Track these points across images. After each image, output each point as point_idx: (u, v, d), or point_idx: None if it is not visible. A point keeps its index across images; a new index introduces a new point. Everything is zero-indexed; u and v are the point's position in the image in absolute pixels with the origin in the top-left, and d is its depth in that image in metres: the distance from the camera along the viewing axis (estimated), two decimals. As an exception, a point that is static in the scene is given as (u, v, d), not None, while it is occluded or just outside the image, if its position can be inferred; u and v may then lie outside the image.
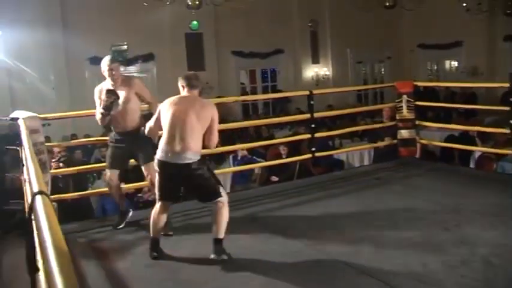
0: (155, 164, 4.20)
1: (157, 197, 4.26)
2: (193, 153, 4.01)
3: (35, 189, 1.44)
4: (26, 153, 2.59)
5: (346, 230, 4.79)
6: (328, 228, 4.88)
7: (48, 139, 11.06)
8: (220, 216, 4.08)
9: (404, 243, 4.35)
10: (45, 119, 5.30)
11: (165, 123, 4.08)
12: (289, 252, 4.30)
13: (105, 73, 5.04)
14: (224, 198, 4.13)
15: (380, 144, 8.09)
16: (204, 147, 4.17)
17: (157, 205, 4.26)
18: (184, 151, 3.97)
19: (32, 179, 1.66)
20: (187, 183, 4.17)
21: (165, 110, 4.12)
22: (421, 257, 3.98)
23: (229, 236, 4.58)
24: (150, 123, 4.39)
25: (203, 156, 4.23)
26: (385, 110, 8.75)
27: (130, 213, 5.27)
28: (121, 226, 5.15)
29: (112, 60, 5.06)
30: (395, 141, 7.61)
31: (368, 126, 8.39)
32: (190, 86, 4.20)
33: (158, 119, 4.21)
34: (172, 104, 4.12)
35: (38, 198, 1.27)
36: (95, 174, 8.24)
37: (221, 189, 4.17)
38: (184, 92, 4.23)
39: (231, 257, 4.11)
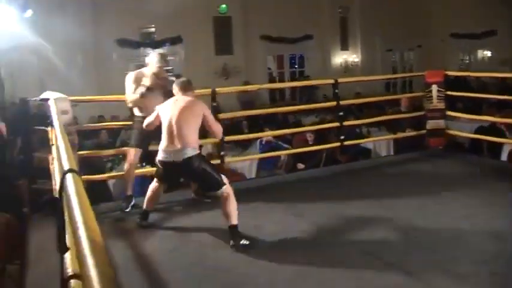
0: (157, 163, 4.50)
1: (156, 177, 4.61)
2: (192, 149, 4.26)
3: (66, 167, 1.41)
4: (57, 133, 2.58)
5: (374, 220, 4.72)
6: (355, 219, 4.81)
7: (75, 120, 11.23)
8: (228, 206, 4.20)
9: (433, 236, 4.26)
10: (74, 101, 5.31)
11: (164, 124, 4.38)
12: (316, 241, 4.26)
13: (152, 67, 5.23)
14: (227, 188, 4.27)
15: (407, 134, 7.95)
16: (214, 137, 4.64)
17: (156, 184, 4.61)
18: (184, 147, 4.24)
19: (62, 157, 1.64)
20: (188, 178, 4.50)
21: (163, 112, 4.45)
22: (449, 251, 3.90)
23: (255, 223, 4.56)
24: (150, 119, 4.69)
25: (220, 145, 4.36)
26: (402, 100, 8.62)
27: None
28: (128, 210, 5.20)
29: (161, 62, 5.24)
30: (424, 131, 7.47)
31: (395, 116, 8.23)
32: (183, 90, 4.56)
33: (158, 117, 4.52)
34: (169, 105, 4.45)
35: (69, 176, 1.23)
36: (121, 156, 8.26)
37: (224, 179, 4.33)
38: (178, 95, 4.56)
39: (254, 241, 4.14)
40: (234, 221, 4.17)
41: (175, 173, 4.48)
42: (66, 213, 1.28)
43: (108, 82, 12.87)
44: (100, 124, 8.37)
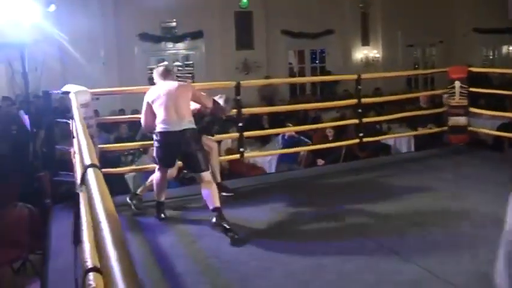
0: (155, 137, 4.66)
1: (158, 165, 4.81)
2: (188, 121, 4.55)
3: (87, 161, 1.43)
4: (77, 126, 2.61)
5: (393, 216, 4.70)
6: (374, 214, 4.79)
7: (96, 113, 11.34)
8: (212, 189, 4.45)
9: (452, 233, 4.23)
10: (95, 93, 5.36)
11: (160, 106, 4.58)
12: (334, 236, 4.26)
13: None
14: (208, 175, 4.55)
15: (428, 131, 7.89)
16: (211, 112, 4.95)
17: (159, 172, 4.81)
18: (181, 119, 4.51)
19: (83, 151, 1.66)
20: (182, 150, 4.59)
21: (155, 98, 4.63)
22: (470, 249, 3.87)
23: (273, 216, 4.58)
24: (145, 120, 4.78)
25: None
26: (421, 96, 8.58)
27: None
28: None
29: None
30: (445, 128, 7.41)
31: (416, 112, 8.15)
32: (164, 76, 4.81)
33: (150, 110, 4.68)
34: (158, 91, 4.65)
35: (90, 171, 1.25)
36: (141, 150, 8.33)
37: (208, 166, 4.64)
38: (162, 81, 4.78)
39: (231, 229, 4.24)
40: (218, 203, 4.39)
41: (173, 148, 4.62)
42: (85, 207, 1.31)
43: (129, 76, 12.98)
44: (119, 117, 8.43)
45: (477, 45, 17.49)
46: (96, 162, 1.45)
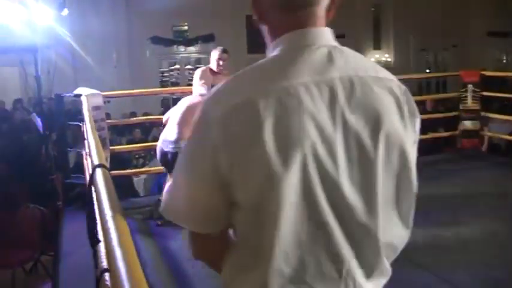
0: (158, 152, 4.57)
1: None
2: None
3: (95, 162, 1.44)
4: (87, 128, 2.64)
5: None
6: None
7: (108, 116, 11.40)
8: None
9: (463, 239, 4.20)
10: (106, 96, 5.40)
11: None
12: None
13: (218, 61, 5.03)
14: None
15: (438, 134, 7.85)
16: None
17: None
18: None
19: (92, 152, 1.68)
20: None
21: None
22: (481, 255, 3.84)
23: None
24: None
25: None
26: (427, 100, 8.54)
27: None
28: None
29: (225, 50, 5.10)
30: (456, 132, 7.36)
31: (426, 116, 8.09)
32: None
33: None
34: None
35: (98, 171, 1.27)
36: (152, 152, 8.37)
37: None
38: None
39: None
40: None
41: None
42: (96, 207, 1.31)
43: (141, 79, 13.05)
44: (132, 119, 8.47)
45: (491, 49, 17.37)
46: (105, 162, 1.46)
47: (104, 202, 1.08)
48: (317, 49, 1.06)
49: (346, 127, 1.01)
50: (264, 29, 1.13)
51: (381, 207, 1.05)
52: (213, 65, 4.96)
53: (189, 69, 15.03)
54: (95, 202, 1.22)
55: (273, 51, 1.09)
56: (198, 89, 4.91)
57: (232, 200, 1.01)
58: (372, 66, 1.10)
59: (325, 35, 1.10)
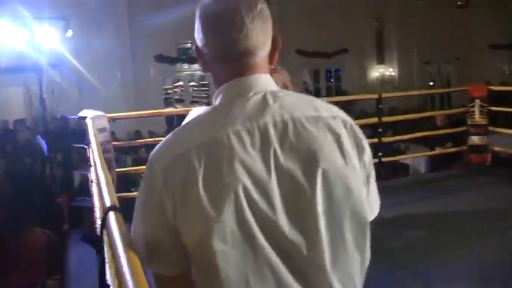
0: None
1: None
2: None
3: (107, 203, 1.39)
4: (95, 157, 2.59)
5: (415, 240, 4.61)
6: (395, 237, 4.70)
7: (113, 135, 11.38)
8: None
9: (477, 259, 4.12)
10: (112, 118, 5.37)
11: None
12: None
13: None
14: None
15: (446, 151, 7.79)
16: None
17: None
18: None
19: (103, 190, 1.63)
20: None
21: None
22: (496, 277, 3.77)
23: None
24: None
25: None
26: (437, 116, 8.50)
27: None
28: None
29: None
30: (464, 147, 7.30)
31: (434, 132, 8.05)
32: None
33: None
34: None
35: (111, 215, 1.21)
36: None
37: None
38: None
39: None
40: None
41: None
42: (108, 256, 1.25)
43: (145, 97, 13.06)
44: (138, 141, 8.36)
45: (494, 62, 17.36)
46: (116, 202, 1.41)
47: (118, 249, 1.03)
48: (252, 96, 1.13)
49: (280, 169, 1.07)
50: (211, 77, 1.23)
51: (326, 241, 1.09)
52: None
53: (192, 86, 15.05)
54: (108, 250, 1.17)
55: (215, 101, 1.18)
56: None
57: (182, 245, 1.09)
58: (312, 106, 1.15)
59: (262, 82, 1.16)
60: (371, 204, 1.21)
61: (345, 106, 15.46)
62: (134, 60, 13.45)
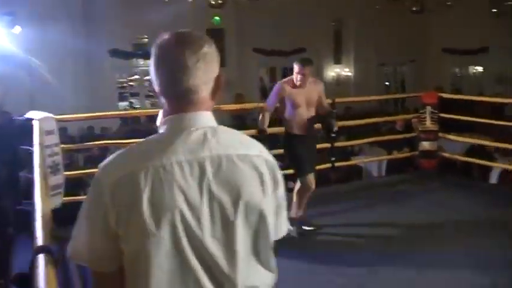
0: None
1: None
2: None
3: (39, 242, 1.32)
4: (35, 182, 2.47)
5: (364, 247, 4.66)
6: (344, 244, 4.75)
7: (65, 131, 11.09)
8: None
9: (425, 265, 4.20)
10: (61, 120, 5.20)
11: None
12: (299, 270, 4.18)
13: (297, 76, 4.90)
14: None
15: (400, 155, 7.92)
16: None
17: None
18: None
19: (36, 224, 1.54)
20: None
21: None
22: (441, 282, 3.85)
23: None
24: None
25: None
26: (398, 121, 8.62)
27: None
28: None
29: (304, 64, 4.91)
30: (416, 152, 7.44)
31: (391, 137, 8.14)
32: None
33: None
34: None
35: (41, 257, 1.15)
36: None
37: None
38: None
39: None
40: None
41: None
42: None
43: (100, 92, 12.79)
44: (88, 144, 7.92)
45: (446, 65, 17.78)
46: (49, 241, 1.34)
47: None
48: (194, 131, 1.32)
49: (211, 197, 1.27)
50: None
51: (241, 258, 1.30)
52: (294, 79, 4.91)
53: (148, 80, 14.85)
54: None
55: (160, 127, 1.37)
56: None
57: (120, 248, 1.27)
58: (242, 144, 1.36)
59: (204, 119, 1.36)
60: (279, 229, 1.44)
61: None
62: (89, 54, 13.11)
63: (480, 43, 15.73)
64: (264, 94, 16.16)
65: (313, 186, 5.02)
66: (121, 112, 12.41)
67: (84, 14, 12.98)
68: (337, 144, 6.96)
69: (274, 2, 13.95)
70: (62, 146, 4.97)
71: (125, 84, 15.30)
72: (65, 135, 10.62)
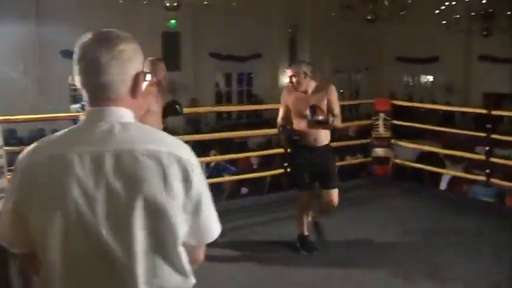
0: None
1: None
2: None
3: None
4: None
5: (318, 255, 4.65)
6: (297, 252, 4.72)
7: (14, 132, 10.76)
8: None
9: (376, 271, 4.23)
10: (6, 121, 5.01)
11: None
12: (254, 279, 4.14)
13: (289, 79, 4.56)
14: None
15: (353, 161, 7.99)
16: None
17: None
18: None
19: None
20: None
21: None
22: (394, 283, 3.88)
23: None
24: None
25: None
26: (350, 127, 8.71)
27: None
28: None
29: (292, 65, 4.60)
30: (369, 158, 7.52)
31: (344, 143, 8.22)
32: None
33: None
34: None
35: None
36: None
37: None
38: None
39: None
40: None
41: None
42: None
43: (51, 94, 12.46)
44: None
45: (399, 73, 18.17)
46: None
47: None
48: (103, 125, 1.37)
49: (108, 189, 1.31)
50: None
51: (140, 254, 1.32)
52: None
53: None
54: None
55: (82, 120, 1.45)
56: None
57: (28, 231, 1.35)
58: (154, 140, 1.38)
59: (116, 114, 1.40)
60: (203, 232, 1.45)
61: (256, 110, 15.57)
62: (40, 54, 12.78)
63: (431, 53, 16.15)
64: (220, 99, 16.15)
65: (327, 202, 4.66)
66: (73, 114, 12.11)
67: (36, 14, 12.64)
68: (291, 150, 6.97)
69: (230, 7, 13.90)
70: (6, 148, 4.77)
71: (76, 87, 14.94)
72: (13, 137, 10.32)
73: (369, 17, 11.21)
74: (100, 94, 1.40)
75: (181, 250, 1.40)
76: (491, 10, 11.42)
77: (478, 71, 15.59)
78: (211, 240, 1.49)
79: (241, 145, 10.59)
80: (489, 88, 15.08)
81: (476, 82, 15.68)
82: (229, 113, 16.00)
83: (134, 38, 1.50)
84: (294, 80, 4.46)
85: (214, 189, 7.58)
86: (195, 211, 1.40)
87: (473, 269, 4.30)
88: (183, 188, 1.36)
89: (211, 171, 7.87)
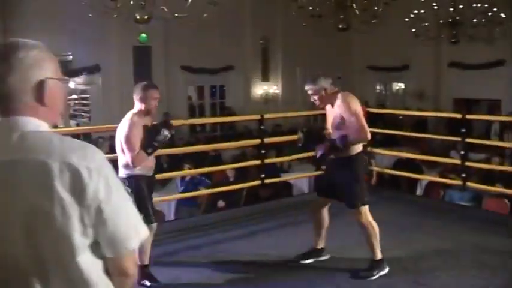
0: None
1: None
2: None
3: None
4: None
5: (296, 267, 4.58)
6: (276, 265, 4.65)
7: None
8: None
9: (357, 281, 4.18)
10: None
11: None
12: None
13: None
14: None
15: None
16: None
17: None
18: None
19: None
20: None
21: None
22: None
23: (170, 270, 4.30)
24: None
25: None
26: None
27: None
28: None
29: (310, 83, 4.45)
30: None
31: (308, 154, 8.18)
32: None
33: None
34: None
35: None
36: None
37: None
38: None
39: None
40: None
41: None
42: None
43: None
44: None
45: (371, 82, 18.32)
46: None
47: None
48: (2, 135, 1.37)
49: None
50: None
51: (31, 265, 1.31)
52: None
53: (74, 99, 14.43)
54: None
55: None
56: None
57: None
58: (48, 149, 1.33)
59: (18, 123, 1.38)
60: (115, 240, 1.37)
61: (230, 122, 15.48)
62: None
63: (402, 61, 16.34)
64: (193, 113, 16.02)
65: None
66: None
67: (4, 28, 12.40)
68: (267, 161, 6.93)
69: (201, 19, 13.84)
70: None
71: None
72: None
73: (340, 26, 11.25)
74: (5, 104, 1.39)
75: (86, 262, 1.35)
76: (458, 18, 11.59)
77: (448, 78, 15.81)
78: (131, 249, 1.40)
79: (216, 158, 10.48)
80: (459, 94, 15.36)
81: (447, 88, 15.90)
82: (203, 125, 15.88)
83: (41, 46, 1.48)
84: (314, 99, 4.41)
85: (190, 203, 7.55)
86: (97, 221, 1.35)
87: (456, 274, 4.27)
88: (75, 198, 1.31)
89: (186, 184, 7.74)
